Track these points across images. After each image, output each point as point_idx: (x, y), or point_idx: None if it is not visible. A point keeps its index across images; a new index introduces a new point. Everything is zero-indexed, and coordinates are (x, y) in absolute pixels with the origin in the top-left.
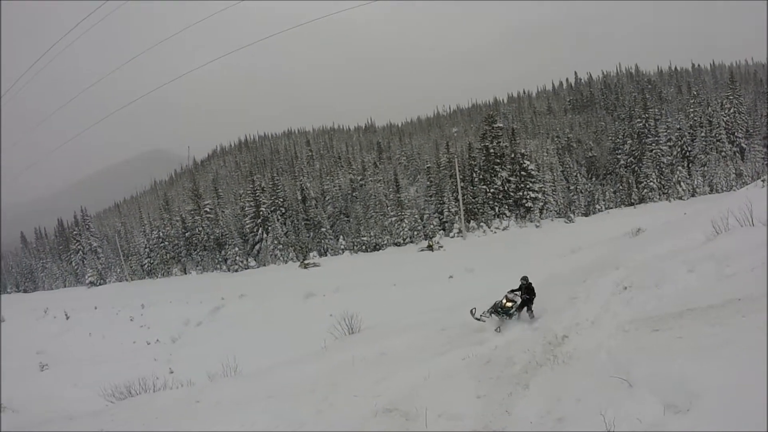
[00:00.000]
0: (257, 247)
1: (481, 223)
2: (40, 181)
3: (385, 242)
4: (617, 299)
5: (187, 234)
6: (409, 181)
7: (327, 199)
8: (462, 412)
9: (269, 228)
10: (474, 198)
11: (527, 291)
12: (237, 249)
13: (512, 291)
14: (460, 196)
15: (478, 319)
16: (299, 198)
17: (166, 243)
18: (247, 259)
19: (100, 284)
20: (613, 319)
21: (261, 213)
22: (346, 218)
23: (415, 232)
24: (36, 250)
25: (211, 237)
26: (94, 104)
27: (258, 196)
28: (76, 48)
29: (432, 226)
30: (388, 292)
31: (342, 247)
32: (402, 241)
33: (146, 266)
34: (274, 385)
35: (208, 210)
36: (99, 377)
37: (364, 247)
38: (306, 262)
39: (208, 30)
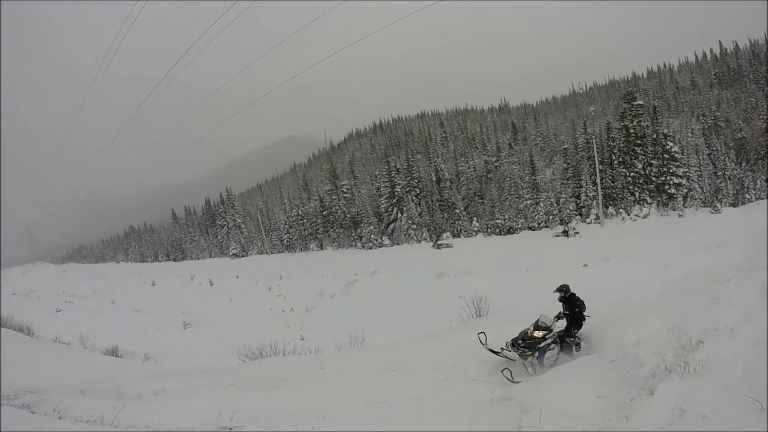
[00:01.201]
0: (392, 226)
1: (620, 210)
2: (188, 166)
3: (519, 226)
4: (763, 306)
5: (324, 212)
6: (545, 163)
7: (461, 180)
8: (579, 411)
9: (404, 208)
10: (613, 182)
11: (569, 307)
12: (372, 227)
13: (556, 317)
14: (598, 180)
15: (492, 351)
16: (434, 179)
17: (305, 220)
18: (381, 238)
19: (242, 256)
20: (755, 327)
21: (396, 193)
22: (480, 200)
23: (551, 217)
24: (185, 225)
25: (347, 215)
26: (235, 94)
27: (393, 176)
28: (215, 42)
29: (568, 211)
30: (519, 277)
31: (475, 229)
32: (537, 225)
33: (285, 241)
34: (398, 360)
35: (344, 190)
36: (235, 338)
37: (497, 230)
38: (439, 242)
39: (332, 22)
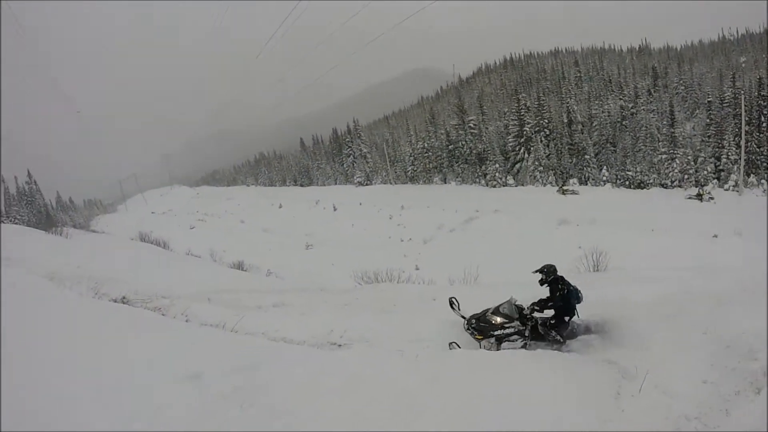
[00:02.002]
0: (517, 166)
1: (763, 180)
2: (318, 96)
3: (651, 181)
4: None
5: (450, 147)
6: (686, 115)
7: (594, 125)
8: (681, 392)
9: (531, 148)
10: (758, 147)
11: (553, 289)
12: (497, 166)
13: (534, 304)
14: (742, 142)
15: (463, 317)
16: (564, 121)
17: (430, 153)
18: (505, 177)
19: (366, 185)
20: None
21: (524, 132)
22: (612, 148)
23: (686, 176)
24: (312, 153)
25: (473, 151)
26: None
27: (522, 115)
28: None
29: (705, 173)
30: (643, 237)
31: (604, 178)
32: (669, 183)
33: (409, 173)
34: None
35: (472, 125)
36: (353, 262)
37: (627, 183)
38: (564, 188)
39: None
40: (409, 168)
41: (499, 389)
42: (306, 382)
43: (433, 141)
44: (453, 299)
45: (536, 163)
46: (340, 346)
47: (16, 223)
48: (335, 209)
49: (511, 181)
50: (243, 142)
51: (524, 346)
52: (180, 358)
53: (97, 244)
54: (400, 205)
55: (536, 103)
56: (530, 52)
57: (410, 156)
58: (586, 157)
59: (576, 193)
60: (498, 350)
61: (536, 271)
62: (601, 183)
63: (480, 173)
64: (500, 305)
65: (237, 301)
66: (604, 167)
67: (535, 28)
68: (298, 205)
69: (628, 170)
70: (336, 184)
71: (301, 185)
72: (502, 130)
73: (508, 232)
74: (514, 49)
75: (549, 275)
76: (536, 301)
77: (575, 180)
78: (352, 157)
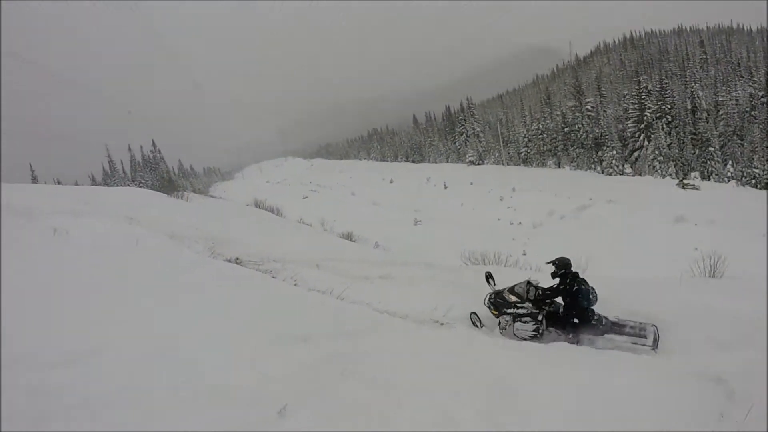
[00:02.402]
0: (636, 154)
1: None
2: (430, 75)
3: None
4: None
5: (565, 129)
6: None
7: (720, 114)
8: None
9: (651, 136)
10: None
11: (560, 282)
12: (614, 152)
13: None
14: None
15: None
16: (688, 107)
17: (544, 135)
18: (622, 165)
19: (478, 164)
20: None
21: (645, 118)
22: (739, 141)
23: None
24: (425, 129)
25: (590, 136)
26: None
27: (643, 99)
28: None
29: None
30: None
31: (729, 174)
32: None
33: (522, 155)
34: None
35: (589, 108)
36: (460, 241)
37: (753, 181)
38: (685, 181)
39: None
40: (523, 149)
41: (599, 388)
42: (407, 357)
43: (548, 122)
44: (489, 273)
45: (656, 152)
46: (442, 324)
47: (141, 187)
48: (446, 187)
49: (628, 169)
50: (356, 117)
51: (536, 330)
52: (288, 320)
53: (215, 208)
54: (511, 187)
55: (658, 86)
56: (651, 30)
57: (524, 137)
58: (710, 149)
59: (697, 189)
60: (512, 327)
61: (549, 263)
62: (725, 179)
63: (596, 159)
64: (516, 284)
65: (344, 269)
66: (730, 162)
67: (656, 4)
68: (408, 181)
69: (755, 167)
70: (447, 162)
71: (413, 161)
72: (621, 114)
73: (620, 225)
74: (634, 27)
75: (559, 268)
76: (547, 287)
77: (697, 174)
78: (464, 135)
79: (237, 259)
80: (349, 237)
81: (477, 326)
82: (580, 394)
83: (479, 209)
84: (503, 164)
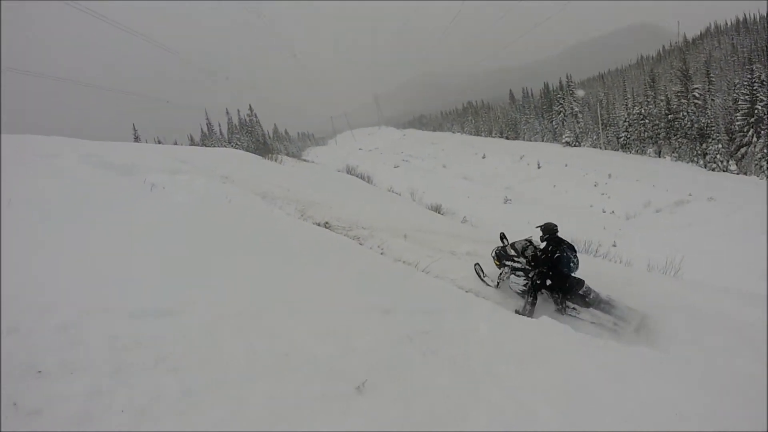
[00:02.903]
0: (743, 150)
1: None
2: (529, 48)
3: None
4: None
5: (669, 116)
6: None
7: None
8: None
9: (761, 132)
10: None
11: (545, 247)
12: (720, 146)
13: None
14: None
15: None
16: None
17: (646, 121)
18: (727, 161)
19: (574, 146)
20: None
21: (755, 111)
22: None
23: None
24: (521, 106)
25: (695, 126)
26: None
27: (755, 90)
28: None
29: None
30: None
31: None
32: None
33: (621, 139)
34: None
35: (696, 95)
36: (555, 220)
37: None
38: None
39: None
40: (622, 134)
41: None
42: (488, 342)
43: (651, 107)
44: (503, 233)
45: (765, 150)
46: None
47: (237, 148)
48: (539, 167)
49: (732, 166)
50: (451, 89)
51: (525, 286)
52: (372, 289)
53: (307, 172)
54: (607, 173)
55: None
56: None
57: (624, 121)
58: None
59: None
60: (509, 280)
61: (538, 227)
62: None
63: (699, 152)
64: (518, 240)
65: (431, 242)
66: None
67: None
68: (501, 157)
69: None
70: (543, 141)
71: (507, 138)
72: (730, 105)
73: (719, 225)
74: (749, 9)
75: (545, 233)
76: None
77: None
78: (562, 114)
79: (326, 223)
80: (437, 209)
81: (480, 276)
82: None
83: (572, 193)
84: (600, 148)
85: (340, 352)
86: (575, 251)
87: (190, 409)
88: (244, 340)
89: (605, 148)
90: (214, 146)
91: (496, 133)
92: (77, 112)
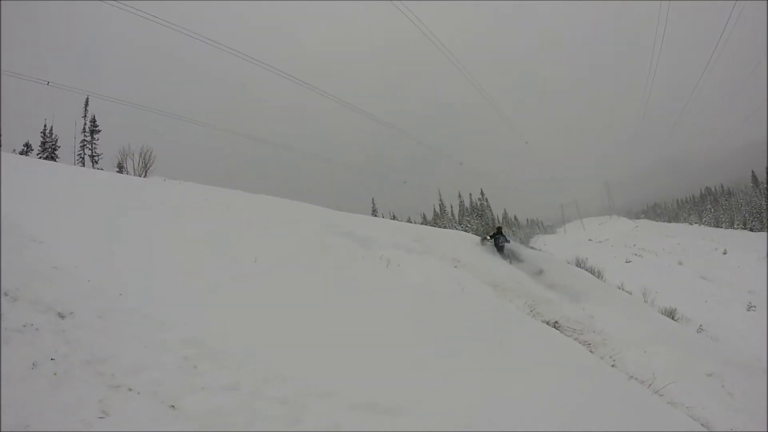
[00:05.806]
0: None
1: None
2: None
3: None
4: None
5: None
6: None
7: None
8: None
9: None
10: None
11: (493, 234)
12: None
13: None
14: None
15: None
16: None
17: None
18: None
19: None
20: None
21: None
22: None
23: None
24: (766, 189)
25: None
26: None
27: None
28: None
29: None
30: None
31: None
32: None
33: None
34: None
35: None
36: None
37: None
38: None
39: None
40: None
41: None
42: None
43: None
44: (484, 237)
45: None
46: None
47: (466, 230)
48: None
49: None
50: (690, 173)
51: (483, 243)
52: (603, 421)
53: (535, 261)
54: None
55: None
56: None
57: None
58: None
59: None
60: (485, 244)
61: (498, 226)
62: None
63: None
64: (498, 227)
65: (667, 355)
66: None
67: None
68: (747, 253)
69: None
70: None
71: (751, 230)
72: None
73: None
74: None
75: (494, 230)
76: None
77: None
78: None
79: (556, 322)
80: (671, 315)
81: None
82: None
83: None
84: None
85: None
86: (506, 238)
87: None
88: None
89: None
90: (445, 227)
91: (738, 224)
92: (327, 182)
